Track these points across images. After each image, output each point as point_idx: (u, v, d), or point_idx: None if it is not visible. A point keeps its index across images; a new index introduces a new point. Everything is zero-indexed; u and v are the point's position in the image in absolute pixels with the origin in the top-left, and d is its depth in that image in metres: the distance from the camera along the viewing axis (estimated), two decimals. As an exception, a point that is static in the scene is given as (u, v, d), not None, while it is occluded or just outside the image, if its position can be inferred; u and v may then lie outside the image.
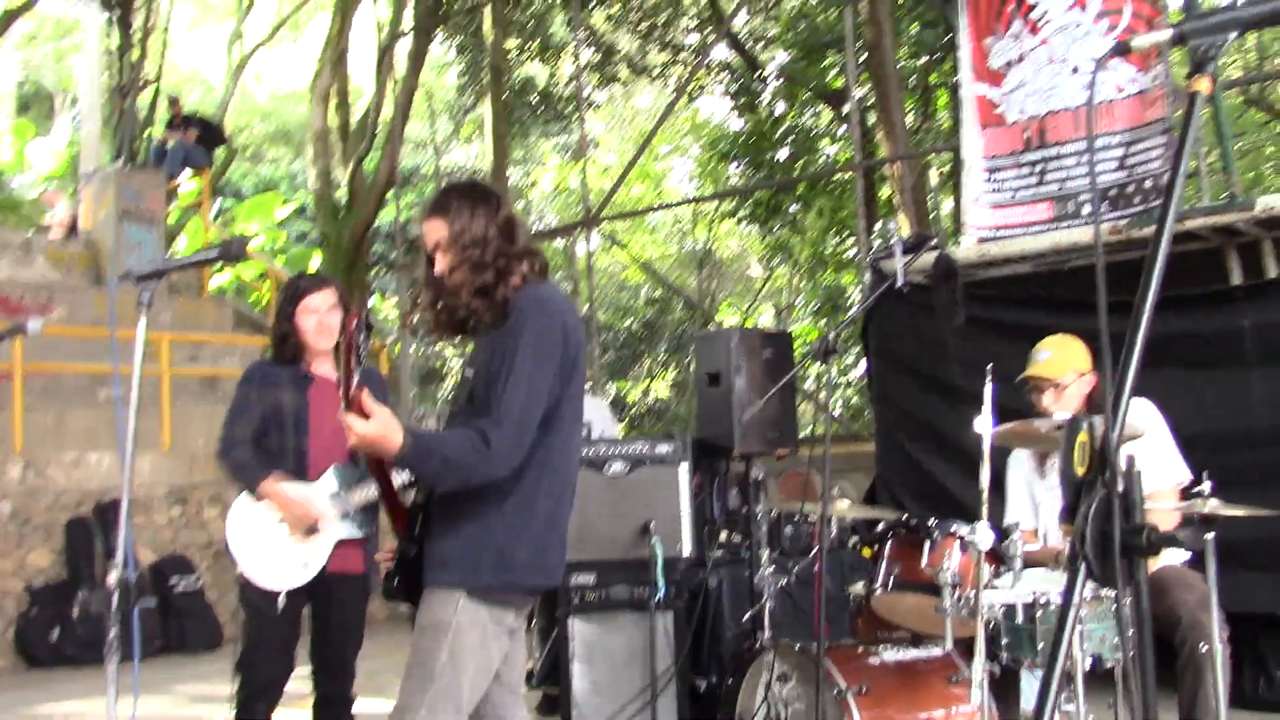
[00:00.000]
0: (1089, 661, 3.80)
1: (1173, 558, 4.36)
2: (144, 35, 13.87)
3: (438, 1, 18.88)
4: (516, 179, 24.19)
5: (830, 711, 4.13)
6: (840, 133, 17.58)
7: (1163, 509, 4.11)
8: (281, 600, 4.05)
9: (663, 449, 6.09)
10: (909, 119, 15.03)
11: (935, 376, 6.78)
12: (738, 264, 26.12)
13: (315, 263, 20.61)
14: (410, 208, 22.54)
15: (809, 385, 16.95)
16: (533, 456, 2.90)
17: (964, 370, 6.43)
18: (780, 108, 17.58)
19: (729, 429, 6.24)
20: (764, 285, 23.66)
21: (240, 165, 26.67)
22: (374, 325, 4.10)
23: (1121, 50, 1.61)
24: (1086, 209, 6.00)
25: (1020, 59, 6.23)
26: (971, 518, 4.20)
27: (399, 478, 3.34)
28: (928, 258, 5.88)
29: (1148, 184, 5.77)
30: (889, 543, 4.44)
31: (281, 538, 4.08)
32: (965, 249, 6.67)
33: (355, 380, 2.68)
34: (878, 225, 14.51)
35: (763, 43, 19.40)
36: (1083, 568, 1.32)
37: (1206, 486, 4.08)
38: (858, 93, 10.43)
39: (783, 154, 17.30)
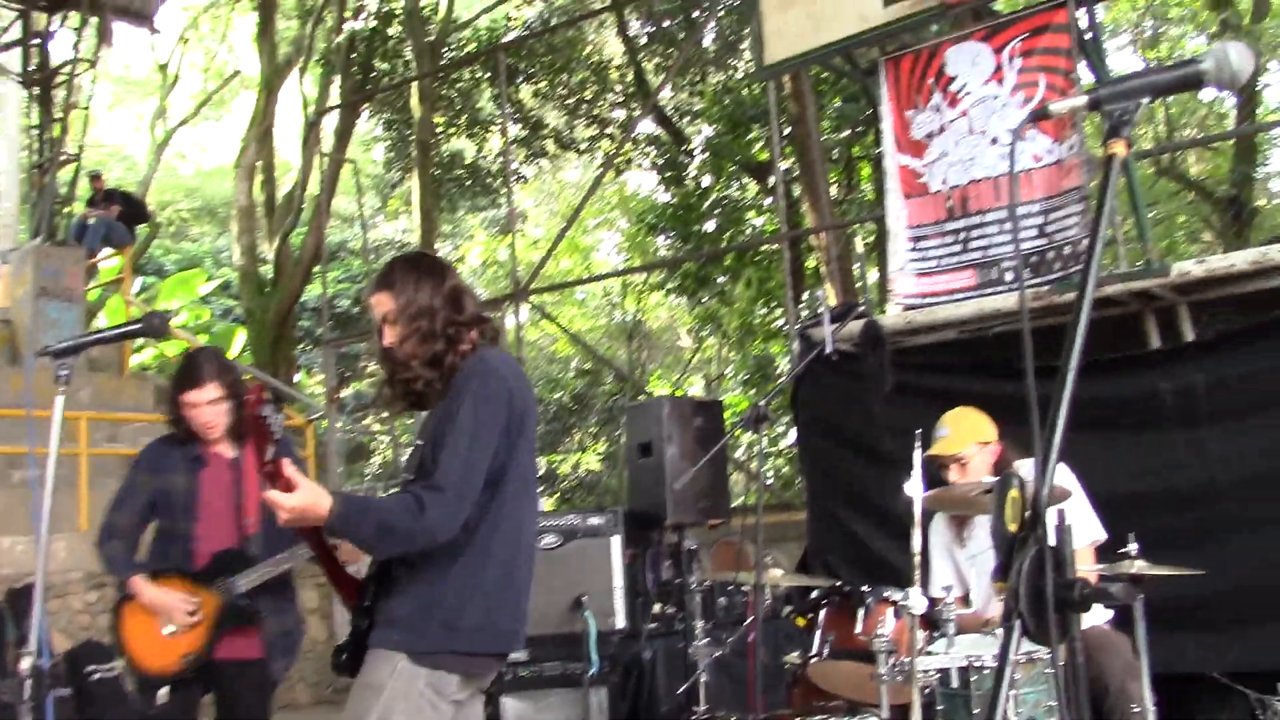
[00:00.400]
0: (1024, 726, 3.79)
1: (1097, 618, 4.40)
2: (65, 112, 13.69)
3: (365, 77, 18.96)
4: (445, 253, 24.17)
5: (768, 784, 4.07)
6: (766, 204, 17.82)
7: (1080, 570, 4.14)
8: (163, 694, 3.94)
9: (595, 521, 6.07)
10: (833, 191, 15.28)
11: (864, 443, 6.81)
12: (667, 335, 26.25)
13: (240, 340, 20.36)
14: (337, 283, 22.42)
15: (740, 454, 16.98)
16: (481, 519, 2.88)
17: (892, 436, 6.47)
18: (707, 180, 17.80)
19: (661, 499, 6.24)
20: (693, 356, 23.76)
21: (163, 242, 26.38)
22: (282, 396, 4.08)
23: (1041, 115, 1.65)
24: (1009, 275, 6.12)
25: (941, 130, 6.37)
26: (904, 583, 4.21)
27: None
28: (855, 326, 5.96)
29: (1067, 250, 5.90)
30: (823, 611, 4.43)
31: (164, 628, 3.99)
32: (891, 317, 6.75)
33: (269, 456, 2.64)
34: (805, 295, 14.69)
35: (689, 117, 19.69)
36: (1018, 625, 1.32)
37: (1133, 548, 4.14)
38: (783, 165, 10.58)
39: (710, 225, 17.48)
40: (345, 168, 18.02)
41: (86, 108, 14.49)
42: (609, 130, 19.87)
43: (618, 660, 5.88)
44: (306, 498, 2.67)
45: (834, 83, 15.93)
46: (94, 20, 13.48)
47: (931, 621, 4.21)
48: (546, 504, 19.46)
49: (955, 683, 3.97)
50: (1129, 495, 5.28)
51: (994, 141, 6.15)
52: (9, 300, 13.28)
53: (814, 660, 4.35)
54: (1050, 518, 1.33)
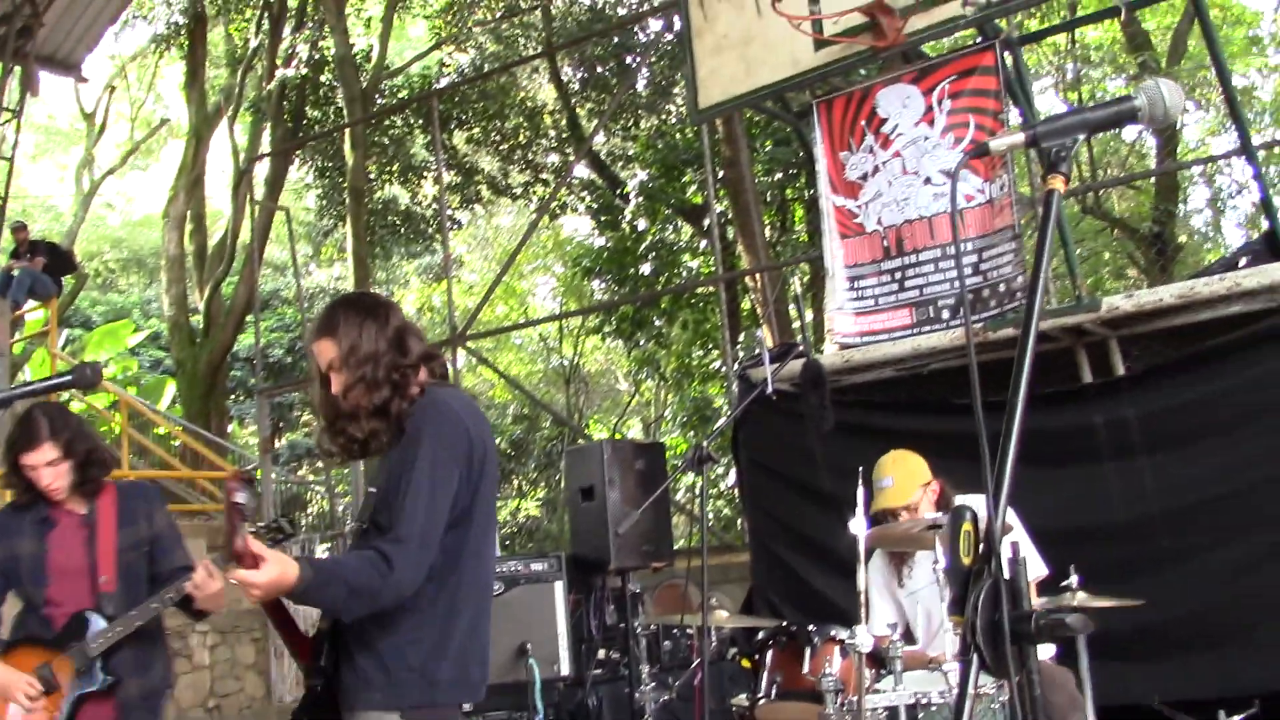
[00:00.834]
0: (974, 762, 3.80)
1: (1041, 653, 4.43)
2: (-13, 162, 13.47)
3: (296, 125, 18.86)
4: (379, 300, 23.93)
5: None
6: (702, 247, 17.93)
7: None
8: None
9: (537, 567, 6.01)
10: (768, 233, 15.42)
11: (805, 483, 6.83)
12: (605, 379, 26.24)
13: (170, 391, 20.03)
14: (270, 332, 22.16)
15: (681, 497, 16.95)
16: (447, 566, 2.82)
17: (833, 476, 6.50)
18: (642, 224, 17.89)
19: (604, 544, 6.19)
20: (631, 399, 23.77)
21: (90, 293, 25.94)
22: (254, 481, 3.98)
23: (981, 152, 1.68)
24: (945, 314, 6.19)
25: (875, 171, 6.45)
26: (849, 621, 4.21)
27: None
28: (795, 365, 5.99)
29: (1001, 288, 5.98)
30: (769, 651, 4.42)
31: (20, 701, 3.84)
32: (829, 356, 6.80)
33: (239, 536, 2.56)
34: (741, 337, 14.76)
35: (622, 161, 19.81)
36: (975, 659, 1.31)
37: (1074, 580, 4.18)
38: (717, 207, 10.67)
39: (646, 269, 17.54)
40: (277, 215, 17.86)
41: (10, 158, 14.23)
42: (543, 175, 19.92)
43: (562, 708, 5.81)
44: (274, 571, 2.57)
45: (766, 126, 16.12)
46: (18, 70, 13.28)
47: (878, 659, 4.22)
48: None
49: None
50: (1066, 529, 5.33)
51: (927, 181, 6.24)
52: (-70, 354, 12.98)
53: (761, 701, 4.33)
54: (1004, 551, 1.34)
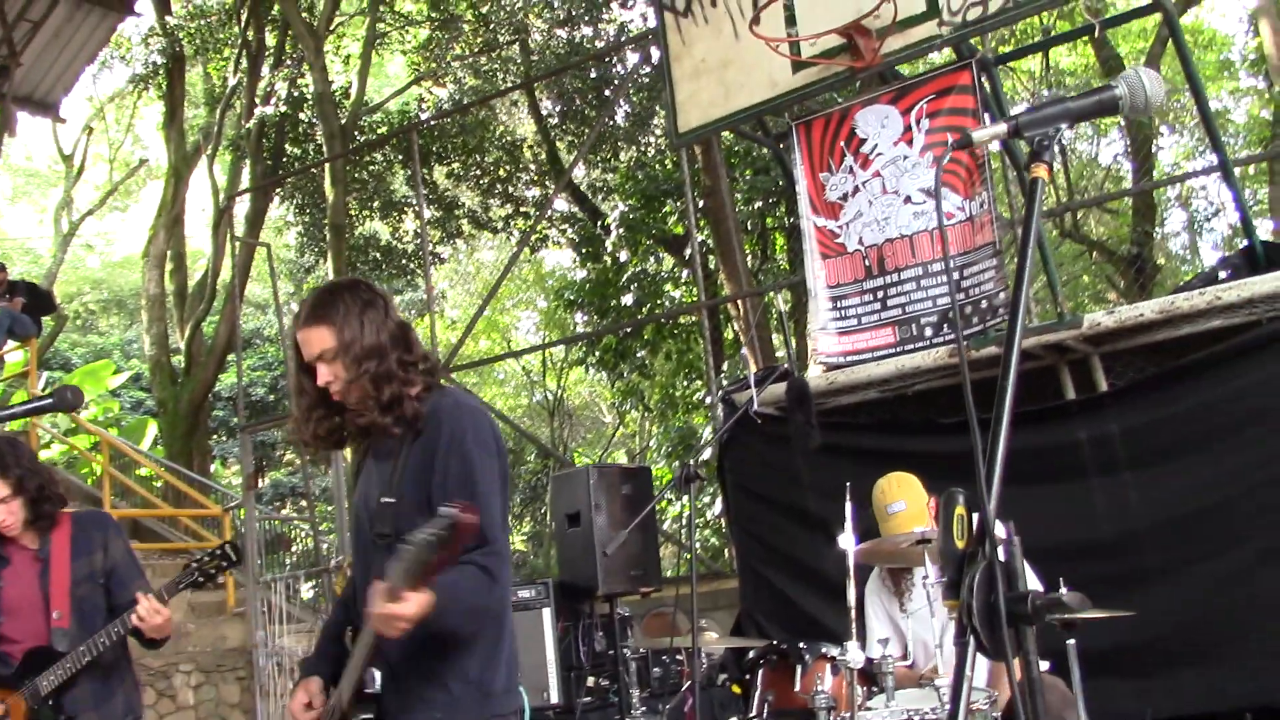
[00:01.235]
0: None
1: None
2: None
3: (276, 163, 18.86)
4: (361, 337, 23.88)
5: None
6: (684, 277, 17.97)
7: None
8: None
9: (525, 594, 5.97)
10: (749, 261, 15.48)
11: (791, 505, 6.82)
12: (589, 411, 26.21)
13: (152, 431, 19.90)
14: (252, 371, 22.07)
15: (668, 526, 16.91)
16: None
17: (818, 498, 6.50)
18: (623, 255, 17.92)
19: (591, 570, 6.16)
20: (616, 431, 23.74)
21: (70, 335, 25.82)
22: (237, 558, 3.92)
23: (964, 143, 1.68)
24: (929, 331, 6.21)
25: (855, 191, 6.49)
26: (838, 641, 4.19)
27: None
28: (779, 389, 5.99)
29: (984, 304, 6.01)
30: (760, 671, 4.40)
31: None
32: (813, 378, 6.81)
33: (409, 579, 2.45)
34: (725, 365, 14.76)
35: (603, 193, 19.86)
36: (972, 641, 1.30)
37: (1064, 592, 4.17)
38: (698, 236, 10.70)
39: (628, 299, 17.56)
40: (258, 253, 17.82)
41: (-11, 198, 14.19)
42: (524, 209, 19.95)
43: (553, 736, 5.76)
44: (423, 602, 2.48)
45: (745, 155, 16.21)
46: (-4, 110, 13.30)
47: (869, 677, 4.20)
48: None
49: (896, 737, 3.95)
50: (1051, 546, 5.32)
51: (908, 200, 6.28)
52: (-92, 398, 12.89)
53: (754, 721, 4.31)
54: (1000, 532, 1.33)
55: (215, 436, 22.29)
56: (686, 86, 6.84)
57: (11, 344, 13.93)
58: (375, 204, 20.02)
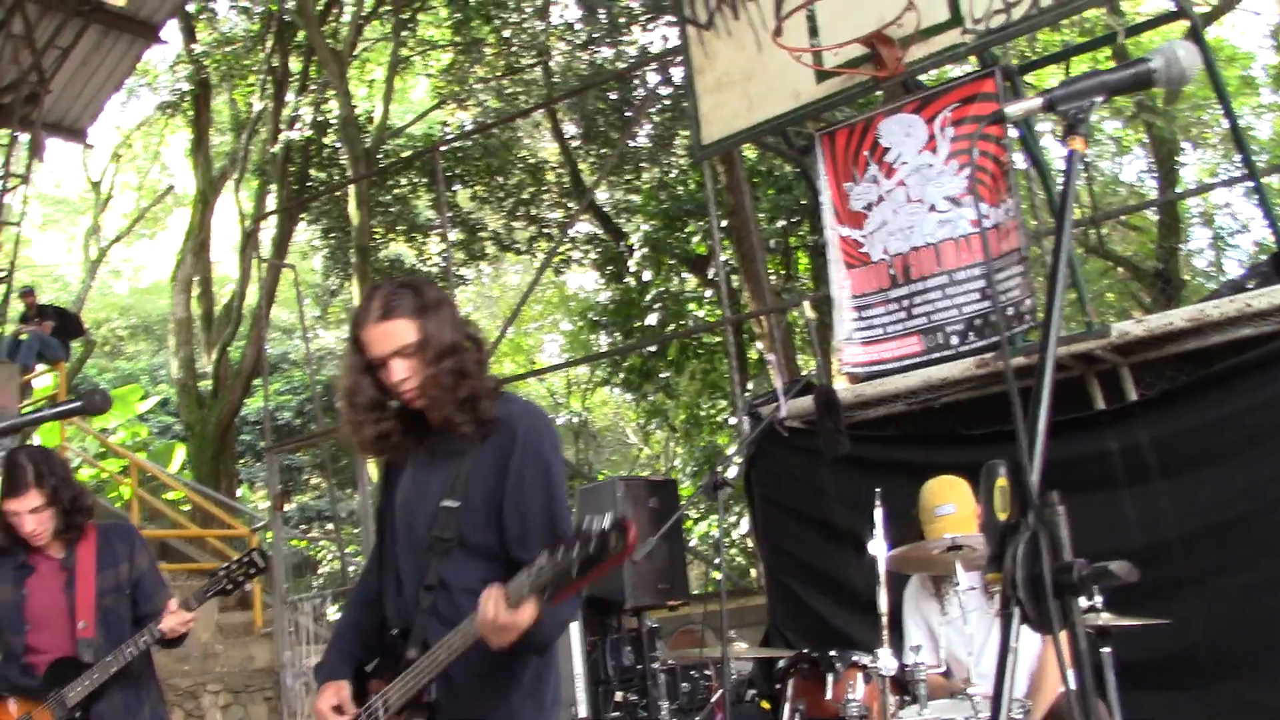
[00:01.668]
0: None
1: (1071, 682, 4.35)
2: (-4, 229, 13.56)
3: (301, 187, 19.01)
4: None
5: None
6: (707, 296, 17.98)
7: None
8: None
9: (552, 608, 5.93)
10: (772, 280, 15.47)
11: (818, 518, 6.79)
12: (614, 432, 26.19)
13: (179, 455, 20.00)
14: (278, 395, 22.17)
15: (694, 544, 16.88)
16: None
17: (845, 510, 6.46)
18: (647, 275, 17.96)
19: (619, 583, 6.14)
20: (641, 452, 23.72)
21: (98, 360, 26.00)
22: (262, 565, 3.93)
23: (997, 118, 1.67)
24: (954, 339, 6.18)
25: (879, 200, 6.47)
26: (867, 652, 4.15)
27: None
28: (805, 403, 5.97)
29: (1009, 311, 5.98)
30: (791, 681, 4.36)
31: None
32: (839, 390, 6.78)
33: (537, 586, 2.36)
34: (750, 384, 14.73)
35: (626, 214, 19.92)
36: (1016, 612, 1.28)
37: (1098, 599, 4.12)
38: (722, 255, 10.71)
39: (652, 319, 17.58)
40: (284, 278, 17.95)
41: (18, 223, 14.33)
42: (547, 230, 20.02)
43: (581, 751, 5.72)
44: (532, 615, 2.41)
45: (768, 174, 16.23)
46: (24, 136, 13.43)
47: (902, 685, 4.15)
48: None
49: (929, 746, 3.90)
50: (1083, 557, 5.26)
51: (932, 209, 6.26)
52: (-60, 421, 12.98)
53: (785, 731, 4.26)
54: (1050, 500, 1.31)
55: (242, 461, 22.37)
56: (710, 99, 6.86)
57: (41, 367, 14.06)
58: (400, 227, 20.13)
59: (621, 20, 17.90)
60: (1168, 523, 5.67)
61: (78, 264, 27.59)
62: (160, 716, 4.12)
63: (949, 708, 4.08)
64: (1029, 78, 7.32)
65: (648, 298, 17.87)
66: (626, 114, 17.58)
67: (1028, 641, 4.37)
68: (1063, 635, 1.30)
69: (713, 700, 5.67)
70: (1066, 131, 1.57)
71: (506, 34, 19.36)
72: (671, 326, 17.28)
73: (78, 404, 2.92)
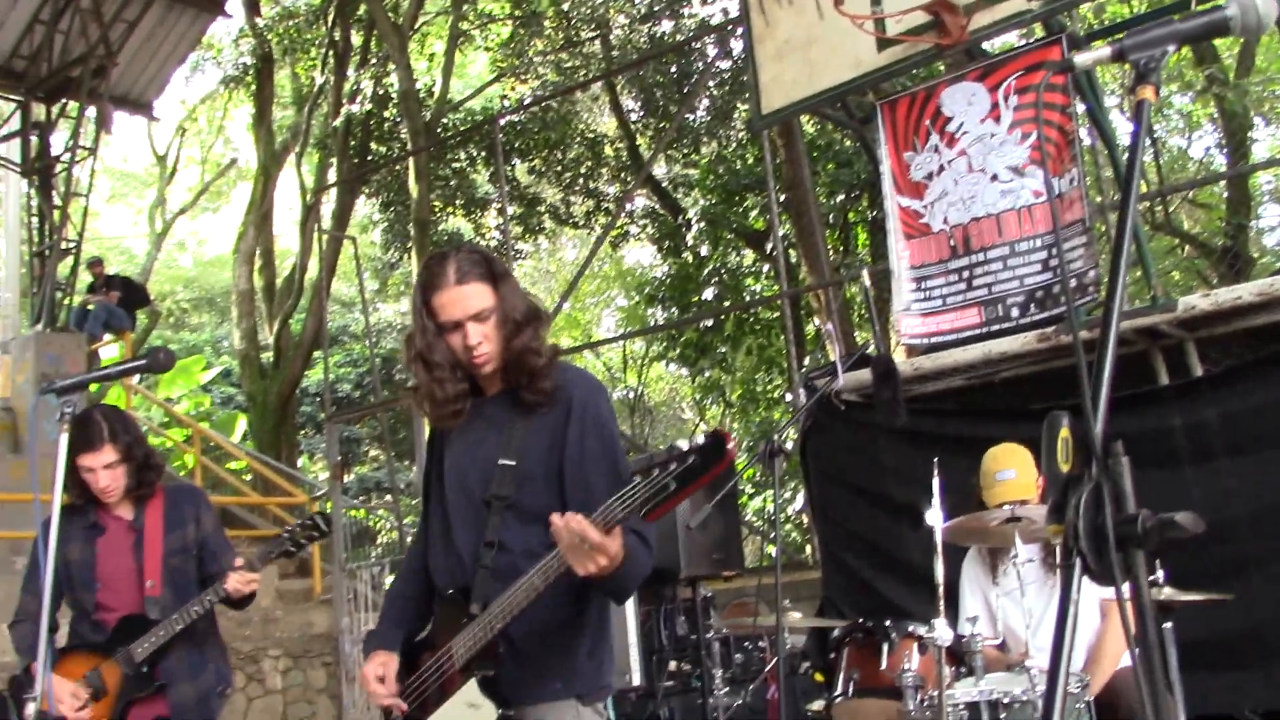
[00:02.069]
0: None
1: (1128, 659, 4.30)
2: (65, 200, 13.78)
3: (361, 161, 19.16)
4: (444, 333, 24.15)
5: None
6: (764, 271, 17.89)
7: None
8: None
9: (607, 576, 5.95)
10: (830, 255, 15.36)
11: (874, 491, 6.74)
12: (669, 408, 26.21)
13: (241, 425, 20.30)
14: (338, 367, 22.41)
15: (749, 518, 16.87)
16: None
17: (901, 484, 6.41)
18: (704, 250, 17.90)
19: (674, 553, 6.14)
20: (696, 428, 23.71)
21: (162, 332, 26.44)
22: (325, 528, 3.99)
23: (1066, 66, 1.63)
24: (1015, 312, 6.09)
25: (940, 170, 6.38)
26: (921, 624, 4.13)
27: None
28: (863, 375, 5.92)
29: (1072, 283, 5.88)
30: (846, 649, 4.34)
31: (66, 712, 3.83)
32: (898, 364, 6.73)
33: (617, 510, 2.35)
34: (806, 359, 14.66)
35: (683, 188, 19.86)
36: (1078, 564, 1.26)
37: (1160, 574, 4.07)
38: (780, 225, 10.65)
39: (708, 294, 17.54)
40: (344, 251, 18.10)
41: (86, 195, 14.57)
42: (605, 204, 20.03)
43: (635, 718, 5.74)
44: (620, 547, 2.41)
45: (827, 149, 16.10)
46: (92, 109, 13.63)
47: (958, 657, 4.12)
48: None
49: (985, 717, 3.87)
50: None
51: (994, 178, 6.16)
52: (10, 389, 13.26)
53: (838, 700, 4.25)
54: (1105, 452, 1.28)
55: (302, 432, 22.67)
56: (770, 68, 6.79)
57: (108, 337, 14.32)
58: (458, 201, 20.23)
59: (682, -7, 17.85)
60: (1234, 501, 5.57)
61: (143, 237, 28.06)
62: (225, 675, 4.20)
63: (1006, 680, 4.05)
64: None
65: (705, 272, 17.82)
66: (685, 88, 17.51)
67: (1086, 615, 4.33)
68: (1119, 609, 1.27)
69: (766, 670, 5.66)
70: (1136, 81, 1.53)
71: (565, 7, 19.36)
72: (728, 301, 17.23)
73: (143, 361, 2.99)
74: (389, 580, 12.70)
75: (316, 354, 18.52)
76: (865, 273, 6.20)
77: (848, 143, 16.08)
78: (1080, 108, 6.38)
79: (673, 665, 6.31)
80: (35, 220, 14.08)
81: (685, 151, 19.16)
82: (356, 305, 24.97)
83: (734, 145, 18.37)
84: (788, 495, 15.72)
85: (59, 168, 13.88)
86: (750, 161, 17.03)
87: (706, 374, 19.15)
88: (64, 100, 13.74)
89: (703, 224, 17.74)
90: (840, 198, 16.45)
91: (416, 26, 19.96)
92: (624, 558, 2.42)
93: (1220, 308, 5.94)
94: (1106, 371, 1.33)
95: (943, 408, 6.82)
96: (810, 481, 7.36)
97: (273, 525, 13.37)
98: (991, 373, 6.67)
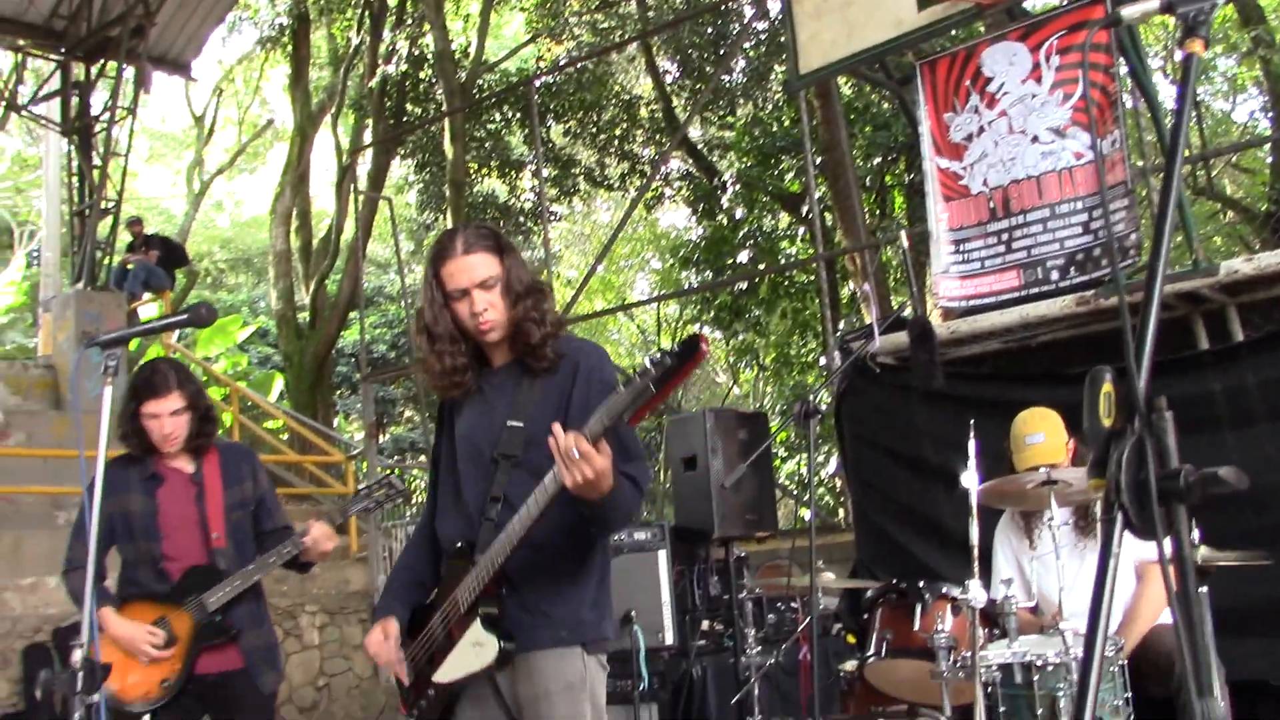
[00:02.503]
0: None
1: (1167, 615, 4.30)
2: (104, 160, 13.87)
3: (397, 122, 19.16)
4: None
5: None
6: (800, 234, 17.80)
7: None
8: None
9: (641, 536, 5.99)
10: (866, 219, 15.25)
11: (909, 455, 6.73)
12: (703, 372, 26.19)
13: (278, 385, 20.47)
14: (374, 328, 22.54)
15: (782, 481, 16.86)
16: None
17: (936, 447, 6.40)
18: (739, 213, 17.81)
19: (707, 513, 6.16)
20: (730, 391, 23.70)
21: (200, 292, 26.63)
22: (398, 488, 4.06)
23: (1113, 20, 1.61)
24: (1054, 274, 6.03)
25: (980, 131, 6.31)
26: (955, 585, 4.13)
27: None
28: (899, 338, 5.90)
29: (1114, 246, 5.82)
30: (879, 610, 4.35)
31: (144, 652, 3.92)
32: (935, 328, 6.69)
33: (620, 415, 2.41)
34: (840, 323, 14.61)
35: (719, 150, 19.75)
36: (1119, 517, 1.26)
37: (1195, 534, 4.05)
38: (816, 192, 10.59)
39: (743, 257, 17.47)
40: (380, 212, 18.16)
41: (125, 155, 14.66)
42: (640, 166, 19.95)
43: (667, 677, 5.79)
44: (608, 465, 2.48)
45: (864, 111, 15.95)
46: (131, 69, 13.68)
47: (991, 618, 4.13)
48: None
49: (1018, 679, 3.88)
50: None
51: (1035, 140, 6.09)
52: (51, 347, 13.42)
53: (871, 660, 4.27)
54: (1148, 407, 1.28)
55: (338, 392, 22.83)
56: (809, 26, 6.73)
57: (147, 296, 14.45)
58: (493, 162, 20.20)
59: (719, -48, 17.65)
60: (1273, 467, 5.52)
61: (181, 197, 28.25)
62: (273, 631, 4.28)
63: (1039, 643, 4.05)
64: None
65: (740, 235, 17.74)
66: (721, 49, 17.38)
67: (1123, 577, 4.32)
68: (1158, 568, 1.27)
69: (799, 631, 5.69)
70: (1185, 34, 1.51)
71: (602, -34, 19.24)
72: (763, 264, 17.16)
73: (185, 316, 3.04)
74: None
75: (352, 314, 18.62)
76: (904, 234, 6.14)
77: (885, 105, 15.92)
78: (1123, 69, 6.29)
79: (705, 625, 6.34)
80: (75, 180, 14.16)
81: (721, 113, 19.04)
82: (392, 266, 25.06)
83: (770, 107, 18.23)
84: (821, 459, 15.71)
85: (98, 127, 13.96)
86: (787, 124, 16.92)
87: (741, 337, 19.11)
88: (103, 60, 13.78)
89: (738, 186, 17.64)
90: (877, 160, 16.31)
91: (452, -14, 19.90)
92: (612, 489, 2.52)
93: (1263, 272, 5.87)
94: (1150, 332, 1.33)
95: (979, 371, 6.79)
96: (845, 445, 7.35)
97: (310, 484, 13.51)
98: (1029, 336, 6.62)
